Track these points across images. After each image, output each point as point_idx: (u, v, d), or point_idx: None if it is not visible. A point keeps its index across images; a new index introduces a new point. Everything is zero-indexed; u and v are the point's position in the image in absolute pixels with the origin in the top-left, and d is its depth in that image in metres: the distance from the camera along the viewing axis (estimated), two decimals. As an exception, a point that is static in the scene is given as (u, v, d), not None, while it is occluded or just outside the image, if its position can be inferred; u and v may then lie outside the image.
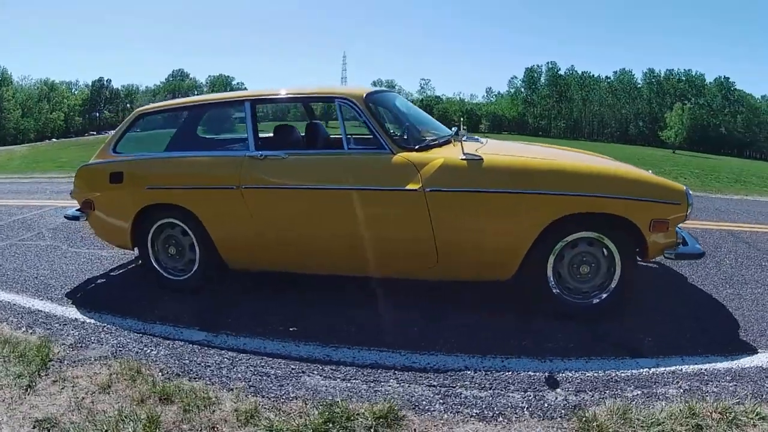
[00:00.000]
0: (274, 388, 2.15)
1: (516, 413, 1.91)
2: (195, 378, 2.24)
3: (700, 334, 2.57)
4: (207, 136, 3.95)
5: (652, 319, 2.73)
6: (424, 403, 1.99)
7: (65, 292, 3.24)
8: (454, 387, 2.09)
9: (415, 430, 1.83)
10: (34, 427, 1.86)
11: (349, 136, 3.02)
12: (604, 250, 2.64)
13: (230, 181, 2.96)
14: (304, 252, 3.02)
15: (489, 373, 2.20)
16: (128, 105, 76.04)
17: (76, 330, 2.72)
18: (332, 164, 2.93)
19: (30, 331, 2.70)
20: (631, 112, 73.74)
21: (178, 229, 3.20)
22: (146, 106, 3.58)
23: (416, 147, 2.83)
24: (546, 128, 77.69)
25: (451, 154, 2.74)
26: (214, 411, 1.97)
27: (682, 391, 2.05)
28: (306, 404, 2.01)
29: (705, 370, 2.22)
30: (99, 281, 3.49)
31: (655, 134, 62.67)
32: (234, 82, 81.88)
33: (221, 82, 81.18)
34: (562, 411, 1.92)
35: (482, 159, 2.65)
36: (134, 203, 3.18)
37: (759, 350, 2.38)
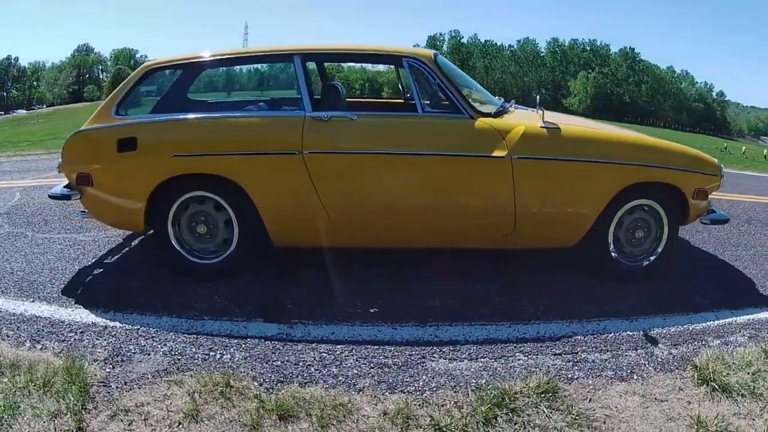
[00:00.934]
0: (406, 379, 2.02)
1: (643, 370, 2.21)
2: (305, 383, 1.96)
3: (727, 289, 3.09)
4: (233, 99, 3.57)
5: (688, 278, 3.23)
6: (563, 371, 2.17)
7: (60, 289, 2.74)
8: (577, 353, 2.34)
9: (572, 398, 1.97)
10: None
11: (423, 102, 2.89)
12: (654, 216, 3.01)
13: (290, 145, 2.70)
14: (371, 224, 2.87)
15: (596, 336, 2.49)
16: (35, 83, 76.19)
17: (101, 338, 2.24)
18: (407, 128, 2.86)
19: (39, 346, 2.17)
20: (533, 80, 78.11)
21: (211, 204, 2.82)
22: (156, 60, 3.11)
23: (493, 113, 2.87)
24: (448, 96, 79.53)
25: (531, 121, 2.85)
26: (358, 420, 1.74)
27: (747, 337, 2.51)
28: (456, 392, 1.94)
29: (753, 319, 2.71)
30: (95, 272, 3.02)
31: (558, 101, 67.37)
32: (138, 55, 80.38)
33: (125, 55, 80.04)
34: (675, 363, 2.27)
35: (560, 128, 2.82)
36: (153, 175, 2.72)
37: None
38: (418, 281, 3.00)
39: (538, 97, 3.03)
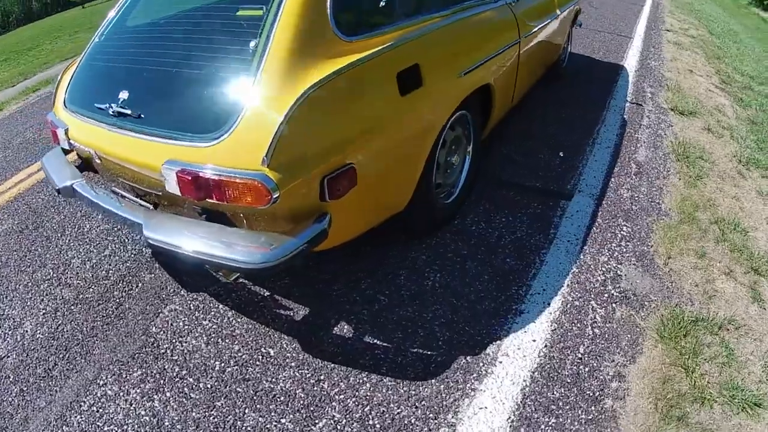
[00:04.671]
0: None
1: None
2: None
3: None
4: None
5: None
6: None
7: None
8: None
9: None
10: None
11: None
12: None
13: (513, 36, 2.61)
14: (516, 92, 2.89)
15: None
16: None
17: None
18: (538, 4, 3.12)
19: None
20: None
21: (460, 129, 2.33)
22: None
23: None
24: None
25: None
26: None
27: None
28: None
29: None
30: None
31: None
32: None
33: None
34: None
35: None
36: (442, 111, 2.00)
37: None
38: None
39: None
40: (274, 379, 1.73)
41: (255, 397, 1.67)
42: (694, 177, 2.82)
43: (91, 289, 2.27)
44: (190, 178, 1.49)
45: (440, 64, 1.98)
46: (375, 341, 1.83)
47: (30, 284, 2.37)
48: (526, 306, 1.96)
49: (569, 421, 1.56)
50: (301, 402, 1.64)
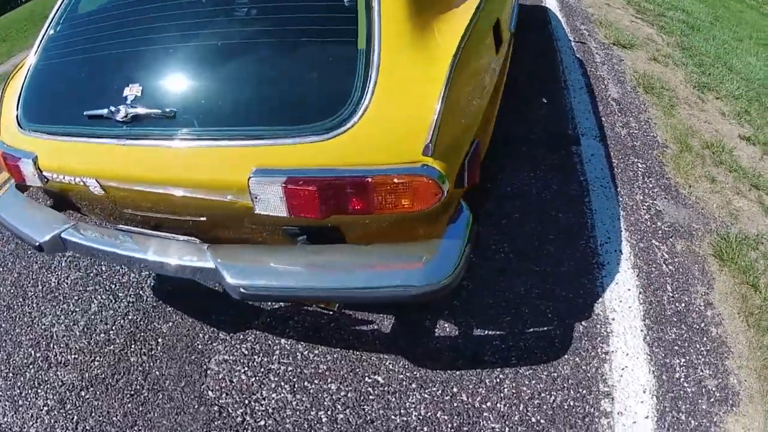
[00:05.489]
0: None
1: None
2: None
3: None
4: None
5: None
6: None
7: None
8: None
9: None
10: None
11: None
12: None
13: None
14: None
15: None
16: None
17: None
18: None
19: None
20: None
21: None
22: None
23: None
24: None
25: None
26: None
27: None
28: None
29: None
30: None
31: None
32: None
33: None
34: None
35: None
36: (507, 65, 2.16)
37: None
38: None
39: None
40: (402, 410, 1.54)
41: None
42: (667, 107, 3.07)
43: (96, 362, 1.81)
44: (312, 188, 1.13)
45: (504, 17, 1.84)
46: (485, 331, 1.76)
47: (11, 376, 1.82)
48: (603, 257, 2.02)
49: (694, 356, 1.67)
50: (450, 426, 1.50)
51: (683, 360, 1.66)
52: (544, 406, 1.54)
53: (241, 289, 1.21)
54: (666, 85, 3.33)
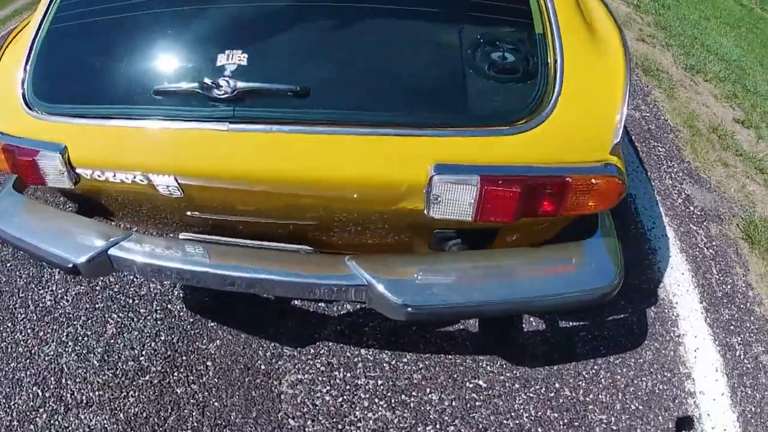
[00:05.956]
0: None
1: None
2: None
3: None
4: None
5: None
6: None
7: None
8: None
9: None
10: None
11: None
12: None
13: None
14: None
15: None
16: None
17: None
18: None
19: None
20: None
21: None
22: None
23: None
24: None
25: None
26: None
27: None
28: None
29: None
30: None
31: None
32: None
33: None
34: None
35: None
36: None
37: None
38: None
39: None
40: (513, 413, 1.55)
41: None
42: (668, 89, 3.24)
43: (132, 398, 1.52)
44: (516, 189, 1.00)
45: None
46: (569, 322, 1.81)
47: (16, 425, 1.48)
48: (654, 243, 2.14)
49: (747, 334, 1.85)
50: (561, 423, 1.55)
51: (739, 338, 1.83)
52: (639, 392, 1.64)
53: (409, 309, 1.08)
54: (660, 66, 3.49)
